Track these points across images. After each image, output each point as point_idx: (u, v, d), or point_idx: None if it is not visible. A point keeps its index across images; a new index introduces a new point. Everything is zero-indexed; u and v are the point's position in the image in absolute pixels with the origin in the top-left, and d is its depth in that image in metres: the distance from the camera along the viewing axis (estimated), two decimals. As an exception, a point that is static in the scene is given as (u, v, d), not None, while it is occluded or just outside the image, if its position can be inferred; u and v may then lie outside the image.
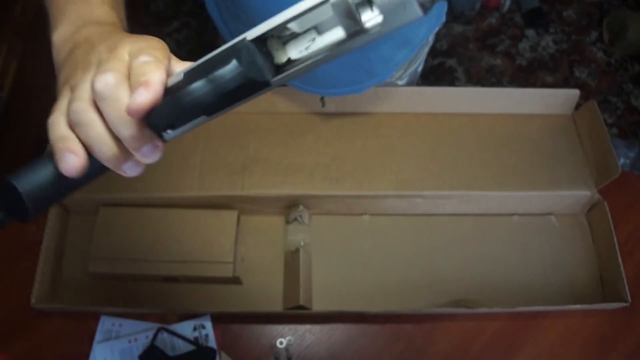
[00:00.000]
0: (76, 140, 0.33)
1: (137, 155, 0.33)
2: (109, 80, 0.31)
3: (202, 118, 0.31)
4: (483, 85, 1.75)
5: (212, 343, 0.69)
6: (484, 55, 1.82)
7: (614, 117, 1.72)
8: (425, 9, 0.26)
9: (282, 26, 0.29)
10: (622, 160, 1.57)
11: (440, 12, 0.78)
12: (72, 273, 0.74)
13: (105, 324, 0.70)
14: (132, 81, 0.31)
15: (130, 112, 0.30)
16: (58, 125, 0.34)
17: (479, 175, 0.77)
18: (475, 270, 0.76)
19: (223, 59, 0.29)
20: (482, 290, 0.75)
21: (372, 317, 0.72)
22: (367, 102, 0.80)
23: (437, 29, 0.80)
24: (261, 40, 0.29)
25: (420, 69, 0.91)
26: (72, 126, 0.33)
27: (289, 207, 0.77)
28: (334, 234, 0.78)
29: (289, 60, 0.30)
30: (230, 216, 0.74)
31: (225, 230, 0.73)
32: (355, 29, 0.27)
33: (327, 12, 0.28)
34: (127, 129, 0.31)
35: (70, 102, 0.33)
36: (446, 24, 0.82)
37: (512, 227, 0.79)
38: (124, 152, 0.33)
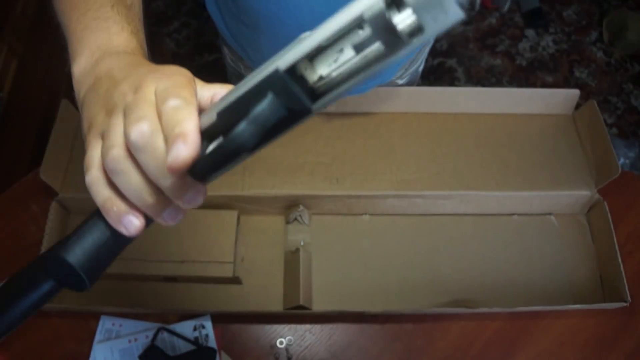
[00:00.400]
0: (125, 200, 0.32)
1: (179, 203, 0.32)
2: (144, 130, 0.29)
3: (244, 155, 0.30)
4: (483, 85, 1.76)
5: (212, 343, 0.69)
6: (484, 55, 1.82)
7: (614, 117, 1.72)
8: (463, 7, 0.24)
9: (315, 50, 0.27)
10: (622, 160, 1.58)
11: None
12: (72, 273, 0.74)
13: (106, 323, 0.70)
14: (166, 132, 0.30)
15: (171, 169, 0.29)
16: (99, 184, 0.33)
17: (479, 175, 0.77)
18: (475, 270, 0.76)
19: (258, 94, 0.28)
20: (482, 290, 0.75)
21: (372, 317, 0.72)
22: (367, 102, 0.80)
23: None
24: (292, 68, 0.27)
25: (420, 68, 0.91)
26: (109, 175, 0.32)
27: (289, 207, 0.77)
28: (334, 234, 0.78)
29: (321, 78, 0.28)
30: (230, 216, 0.74)
31: (225, 230, 0.73)
32: (392, 40, 0.25)
33: (363, 29, 0.26)
34: (167, 179, 0.30)
35: (105, 151, 0.31)
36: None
37: (512, 227, 0.79)
38: (164, 199, 0.32)
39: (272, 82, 0.27)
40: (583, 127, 0.81)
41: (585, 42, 1.85)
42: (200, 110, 0.33)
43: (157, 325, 0.70)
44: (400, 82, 0.86)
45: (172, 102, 0.30)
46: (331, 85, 0.28)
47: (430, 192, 0.75)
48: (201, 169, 0.30)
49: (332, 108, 0.81)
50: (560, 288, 0.75)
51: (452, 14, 0.24)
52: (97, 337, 0.70)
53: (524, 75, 1.79)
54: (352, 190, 0.75)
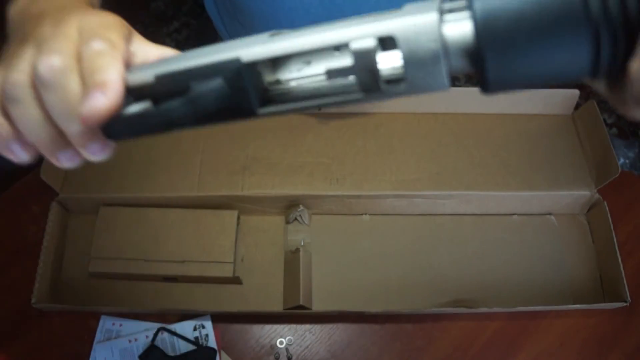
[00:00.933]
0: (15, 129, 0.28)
1: (81, 151, 0.28)
2: (54, 64, 0.26)
3: (167, 130, 0.27)
4: (483, 85, 1.75)
5: (212, 343, 0.69)
6: (483, 55, 1.82)
7: (614, 117, 1.72)
8: (452, 79, 0.24)
9: (288, 56, 0.25)
10: (621, 160, 1.58)
11: None
12: (72, 273, 0.74)
13: (106, 323, 0.71)
14: (84, 76, 0.26)
15: (84, 120, 0.25)
16: None
17: (479, 175, 0.77)
18: (475, 270, 0.76)
19: (207, 75, 0.25)
20: (482, 290, 0.75)
21: (372, 317, 0.72)
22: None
23: None
24: (254, 63, 0.25)
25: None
26: (4, 101, 0.27)
27: (289, 207, 0.77)
28: (334, 234, 0.78)
29: (278, 82, 0.26)
30: (230, 216, 0.74)
31: (225, 230, 0.73)
32: (368, 80, 0.24)
33: (345, 56, 0.24)
34: (73, 125, 0.27)
35: (4, 75, 0.27)
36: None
37: (512, 227, 0.79)
38: (63, 141, 0.28)
39: (227, 69, 0.25)
40: (583, 127, 0.81)
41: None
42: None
43: (157, 325, 0.70)
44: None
45: (96, 44, 0.27)
46: (285, 95, 0.26)
47: (430, 192, 0.75)
48: (117, 129, 0.27)
49: (332, 108, 0.81)
50: (560, 288, 0.75)
51: (439, 81, 0.23)
52: (97, 337, 0.70)
53: (524, 75, 1.79)
54: (352, 190, 0.75)
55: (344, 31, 0.23)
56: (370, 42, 0.23)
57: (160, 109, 0.26)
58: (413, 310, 0.73)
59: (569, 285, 0.76)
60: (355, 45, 0.23)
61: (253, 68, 0.25)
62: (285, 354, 0.70)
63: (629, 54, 0.20)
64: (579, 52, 0.20)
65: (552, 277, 0.76)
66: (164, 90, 0.26)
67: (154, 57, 0.32)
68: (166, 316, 0.72)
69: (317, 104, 0.25)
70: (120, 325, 0.71)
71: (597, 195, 0.76)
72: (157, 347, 0.68)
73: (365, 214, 0.80)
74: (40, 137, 0.28)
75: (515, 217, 0.80)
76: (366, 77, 0.23)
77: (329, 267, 0.76)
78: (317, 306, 0.72)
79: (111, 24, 0.29)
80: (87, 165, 0.84)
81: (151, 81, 0.26)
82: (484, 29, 0.21)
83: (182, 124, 0.26)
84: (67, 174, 0.75)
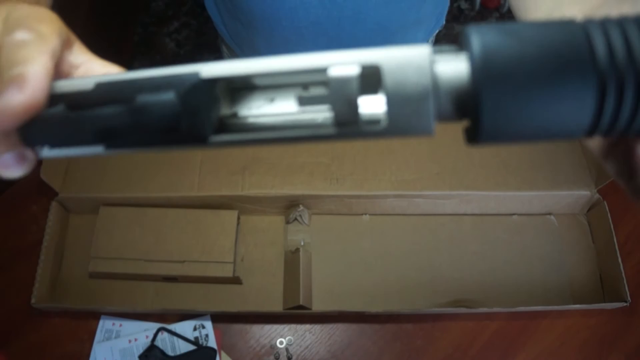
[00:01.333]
0: None
1: None
2: None
3: (98, 148, 0.23)
4: (483, 85, 1.75)
5: (212, 343, 0.69)
6: (484, 55, 1.82)
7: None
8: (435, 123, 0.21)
9: (251, 89, 0.22)
10: (622, 160, 1.57)
11: (439, 15, 0.78)
12: (72, 273, 0.74)
13: (106, 323, 0.71)
14: (1, 67, 0.22)
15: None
16: None
17: (479, 175, 0.77)
18: (475, 270, 0.76)
19: (157, 86, 0.21)
20: (482, 290, 0.75)
21: (372, 317, 0.72)
22: (367, 102, 0.80)
23: (435, 32, 0.80)
24: (214, 81, 0.22)
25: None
26: None
27: (289, 207, 0.77)
28: (334, 234, 0.78)
29: (235, 116, 0.23)
30: (230, 216, 0.74)
31: (225, 230, 0.73)
32: (346, 119, 0.20)
33: (321, 83, 0.21)
34: None
35: None
36: (446, 24, 0.82)
37: (512, 227, 0.79)
38: None
39: (182, 83, 0.21)
40: (583, 127, 0.81)
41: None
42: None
43: (157, 325, 0.70)
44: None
45: (19, 34, 0.23)
46: (243, 126, 0.23)
47: (430, 192, 0.75)
48: (37, 134, 0.23)
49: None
50: (560, 288, 0.75)
51: (424, 124, 0.20)
52: (97, 337, 0.70)
53: (524, 75, 1.79)
54: (352, 190, 0.75)
55: (323, 56, 0.20)
56: (353, 70, 0.20)
57: (92, 113, 0.21)
58: (413, 310, 0.73)
59: (569, 285, 0.76)
60: (336, 71, 0.20)
61: (212, 88, 0.22)
62: (285, 354, 0.70)
63: (634, 116, 0.19)
64: (580, 104, 0.18)
65: (552, 277, 0.76)
66: (104, 101, 0.22)
67: (98, 72, 0.28)
68: (166, 316, 0.72)
69: (280, 137, 0.22)
70: (120, 325, 0.71)
71: (597, 195, 0.76)
72: (157, 347, 0.68)
73: (365, 214, 0.80)
74: None
75: (515, 217, 0.80)
76: (343, 109, 0.20)
77: (329, 267, 0.76)
78: (317, 306, 0.72)
79: (45, 18, 0.25)
80: (87, 165, 0.84)
81: (90, 88, 0.22)
82: (482, 68, 0.19)
83: (118, 139, 0.22)
84: (67, 173, 0.75)
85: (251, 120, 0.23)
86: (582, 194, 0.76)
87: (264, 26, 0.68)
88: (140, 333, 0.70)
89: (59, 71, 0.26)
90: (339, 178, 0.75)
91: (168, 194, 0.74)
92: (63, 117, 0.22)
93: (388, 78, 0.20)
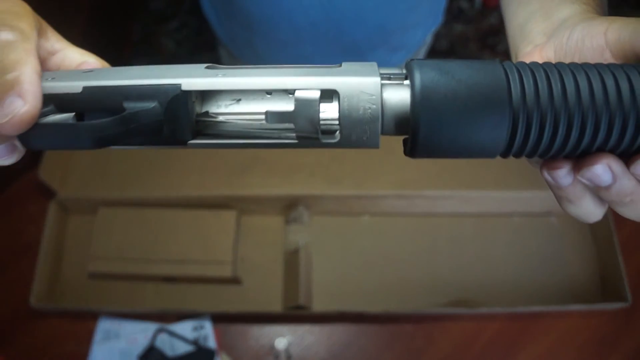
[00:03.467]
0: None
1: None
2: None
3: (88, 144, 0.25)
4: (483, 84, 1.75)
5: (212, 343, 0.69)
6: (484, 54, 1.82)
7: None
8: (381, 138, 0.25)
9: (220, 91, 0.25)
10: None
11: (436, 14, 0.78)
12: (72, 273, 0.74)
13: (105, 324, 0.70)
14: None
15: (4, 130, 0.22)
16: None
17: (479, 175, 0.76)
18: (475, 270, 0.76)
19: (143, 95, 0.24)
20: (482, 290, 0.75)
21: (372, 317, 0.72)
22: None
23: (433, 30, 0.80)
24: (192, 92, 0.24)
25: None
26: None
27: (289, 207, 0.77)
28: (334, 234, 0.78)
29: (206, 114, 0.26)
30: (230, 216, 0.74)
31: (225, 230, 0.73)
32: (308, 133, 0.24)
33: (289, 105, 0.25)
34: None
35: None
36: (446, 24, 0.82)
37: (512, 227, 0.79)
38: None
39: (166, 94, 0.24)
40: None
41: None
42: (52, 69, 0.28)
43: (156, 325, 0.70)
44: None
45: (4, 34, 0.23)
46: (217, 130, 0.26)
47: (430, 192, 0.75)
48: (34, 138, 0.24)
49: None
50: (560, 288, 0.75)
51: (372, 140, 0.24)
52: (96, 337, 0.69)
53: (524, 75, 1.79)
54: (352, 190, 0.75)
55: (291, 79, 0.24)
56: (315, 94, 0.23)
57: (89, 125, 0.24)
58: (413, 310, 0.73)
59: (570, 286, 0.76)
60: (300, 94, 0.23)
61: (189, 98, 0.24)
62: (285, 354, 0.70)
63: (539, 144, 0.24)
64: (497, 133, 0.23)
65: (553, 277, 0.76)
66: (92, 104, 0.24)
67: (75, 60, 0.28)
68: (165, 316, 0.71)
69: (248, 144, 0.25)
70: (120, 325, 0.70)
71: (597, 195, 0.76)
72: (156, 348, 0.68)
73: (365, 214, 0.79)
74: None
75: (515, 217, 0.80)
76: (305, 125, 0.24)
77: (329, 267, 0.76)
78: (317, 306, 0.72)
79: (21, 12, 0.25)
80: (86, 166, 0.84)
81: (78, 92, 0.24)
82: (421, 100, 0.23)
83: (110, 143, 0.24)
84: (65, 174, 0.75)
85: (221, 119, 0.26)
86: (583, 194, 0.76)
87: (262, 28, 0.68)
88: (139, 333, 0.70)
89: None
90: (339, 178, 0.75)
91: (168, 194, 0.74)
92: (57, 124, 0.24)
93: (343, 102, 0.23)
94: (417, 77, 0.23)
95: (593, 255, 0.78)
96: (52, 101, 0.24)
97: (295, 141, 0.24)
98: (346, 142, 0.24)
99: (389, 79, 0.25)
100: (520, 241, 0.78)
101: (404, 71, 0.25)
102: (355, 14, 0.65)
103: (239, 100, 0.26)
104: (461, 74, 0.23)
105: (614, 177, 0.24)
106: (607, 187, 0.24)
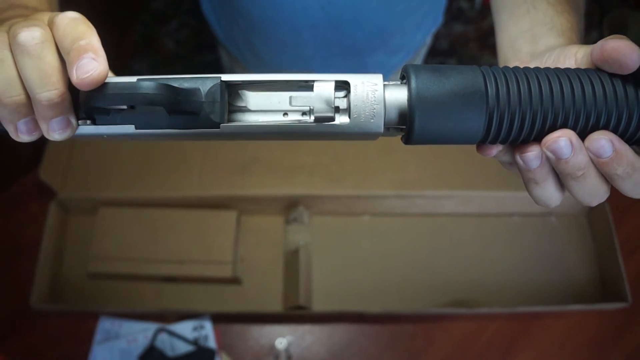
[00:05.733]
0: None
1: (43, 125, 0.29)
2: (35, 35, 0.27)
3: (129, 127, 0.29)
4: (483, 84, 1.75)
5: (212, 343, 0.69)
6: (484, 54, 1.82)
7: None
8: (386, 129, 0.30)
9: (265, 85, 0.30)
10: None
11: (436, 14, 0.78)
12: (72, 273, 0.74)
13: (105, 324, 0.70)
14: (66, 43, 0.28)
15: (80, 83, 0.27)
16: None
17: (479, 175, 0.76)
18: (475, 270, 0.76)
19: (190, 81, 0.29)
20: (482, 290, 0.75)
21: (372, 317, 0.72)
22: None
23: (433, 31, 0.80)
24: (230, 84, 0.29)
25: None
26: None
27: (289, 207, 0.77)
28: (334, 234, 0.78)
29: (245, 108, 0.31)
30: (230, 216, 0.74)
31: (225, 230, 0.73)
32: (323, 115, 0.29)
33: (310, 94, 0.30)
34: (47, 92, 0.27)
35: None
36: (446, 24, 0.82)
37: (512, 227, 0.79)
38: (28, 109, 0.29)
39: (208, 82, 0.29)
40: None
41: (585, 42, 1.85)
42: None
43: (156, 325, 0.70)
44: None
45: (70, 14, 0.29)
46: (243, 118, 0.31)
47: (430, 192, 0.75)
48: (88, 98, 0.28)
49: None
50: (560, 288, 0.75)
51: (376, 124, 0.29)
52: (97, 337, 0.69)
53: (524, 75, 1.78)
54: (352, 190, 0.75)
55: (311, 75, 0.29)
56: (331, 83, 0.29)
57: (146, 83, 0.28)
58: (413, 310, 0.73)
59: (570, 286, 0.76)
60: (319, 83, 0.29)
61: (226, 88, 0.29)
62: (285, 354, 0.70)
63: (510, 132, 0.30)
64: (477, 124, 0.29)
65: (553, 277, 0.76)
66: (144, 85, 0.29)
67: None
68: (165, 316, 0.71)
69: (272, 126, 0.30)
70: (120, 325, 0.70)
71: (597, 196, 0.76)
72: (156, 348, 0.68)
73: (365, 214, 0.79)
74: (9, 97, 0.28)
75: (515, 217, 0.80)
76: (322, 106, 0.29)
77: (329, 267, 0.76)
78: (317, 306, 0.72)
79: (76, 17, 0.30)
80: (86, 166, 0.84)
81: (133, 81, 0.28)
82: (416, 98, 0.29)
83: (150, 120, 0.29)
84: (66, 173, 0.75)
85: (250, 107, 0.30)
86: (583, 194, 0.76)
87: (262, 29, 0.68)
88: (139, 333, 0.70)
89: None
90: (339, 178, 0.75)
91: (168, 194, 0.74)
92: (119, 83, 0.28)
93: (354, 89, 0.29)
94: (413, 78, 0.29)
95: (593, 255, 0.78)
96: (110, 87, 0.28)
97: (313, 123, 0.29)
98: (355, 125, 0.29)
99: (389, 84, 0.30)
100: (520, 241, 0.78)
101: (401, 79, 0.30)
102: (355, 16, 0.65)
103: (269, 97, 0.31)
104: (449, 77, 0.29)
105: (573, 150, 0.29)
106: (567, 160, 0.29)
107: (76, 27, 0.28)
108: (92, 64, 0.27)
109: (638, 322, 0.72)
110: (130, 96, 0.28)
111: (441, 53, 1.81)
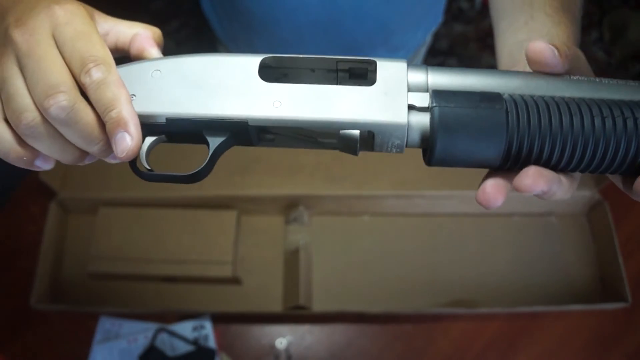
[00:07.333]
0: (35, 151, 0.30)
1: (106, 159, 0.32)
2: (64, 105, 0.27)
3: (161, 137, 0.33)
4: (483, 84, 1.75)
5: (212, 343, 0.69)
6: (484, 54, 1.82)
7: (614, 117, 1.72)
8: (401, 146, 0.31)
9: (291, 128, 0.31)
10: (622, 160, 1.57)
11: (436, 13, 0.78)
12: (72, 273, 0.74)
13: (105, 324, 0.70)
14: (99, 109, 0.28)
15: (121, 159, 0.29)
16: (3, 138, 0.29)
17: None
18: (475, 270, 0.76)
19: (217, 127, 0.32)
20: (482, 290, 0.74)
21: (372, 317, 0.72)
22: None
23: (433, 29, 0.80)
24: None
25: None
26: (22, 137, 0.29)
27: (289, 207, 0.77)
28: (334, 234, 0.78)
29: (266, 131, 0.34)
30: (230, 216, 0.74)
31: (225, 230, 0.73)
32: (347, 150, 0.31)
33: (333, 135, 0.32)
34: (95, 147, 0.30)
35: (15, 115, 0.28)
36: (446, 24, 0.82)
37: (512, 227, 0.79)
38: (87, 154, 0.32)
39: (235, 127, 0.31)
40: (583, 127, 0.81)
41: (585, 42, 1.85)
42: (117, 50, 0.34)
43: (156, 325, 0.70)
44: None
45: (95, 74, 0.28)
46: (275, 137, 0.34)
47: (430, 192, 0.75)
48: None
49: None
50: (560, 288, 0.75)
51: (399, 144, 0.31)
52: (97, 337, 0.69)
53: (524, 75, 1.78)
54: (352, 190, 0.75)
55: (337, 117, 0.31)
56: (355, 133, 0.30)
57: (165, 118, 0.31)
58: (413, 310, 0.73)
59: (570, 286, 0.75)
60: (344, 133, 0.30)
61: (253, 129, 0.32)
62: (285, 354, 0.70)
63: (529, 158, 0.31)
64: (496, 151, 0.30)
65: (553, 277, 0.76)
66: (175, 130, 0.32)
67: (127, 35, 0.35)
68: (166, 316, 0.71)
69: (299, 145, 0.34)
70: (120, 325, 0.70)
71: (597, 196, 0.76)
72: (156, 348, 0.68)
73: (365, 214, 0.79)
74: (65, 158, 0.31)
75: (515, 217, 0.80)
76: (345, 147, 0.31)
77: (329, 267, 0.76)
78: (317, 306, 0.72)
79: (85, 31, 0.29)
80: (87, 166, 0.84)
81: (162, 122, 0.31)
82: (439, 126, 0.30)
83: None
84: (66, 174, 0.75)
85: (277, 131, 0.33)
86: (583, 195, 0.76)
87: (263, 27, 0.68)
88: (139, 333, 0.70)
89: None
90: (339, 178, 0.75)
91: (168, 194, 0.74)
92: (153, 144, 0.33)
93: (377, 138, 0.31)
94: (437, 108, 0.30)
95: (593, 255, 0.78)
96: (143, 129, 0.30)
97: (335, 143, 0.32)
98: (380, 148, 0.32)
99: (413, 108, 0.31)
100: (520, 241, 0.78)
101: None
102: (356, 13, 0.65)
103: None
104: (471, 102, 0.30)
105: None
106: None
107: (104, 93, 0.28)
108: (125, 141, 0.28)
109: (638, 322, 0.72)
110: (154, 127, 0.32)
111: (441, 53, 1.81)
